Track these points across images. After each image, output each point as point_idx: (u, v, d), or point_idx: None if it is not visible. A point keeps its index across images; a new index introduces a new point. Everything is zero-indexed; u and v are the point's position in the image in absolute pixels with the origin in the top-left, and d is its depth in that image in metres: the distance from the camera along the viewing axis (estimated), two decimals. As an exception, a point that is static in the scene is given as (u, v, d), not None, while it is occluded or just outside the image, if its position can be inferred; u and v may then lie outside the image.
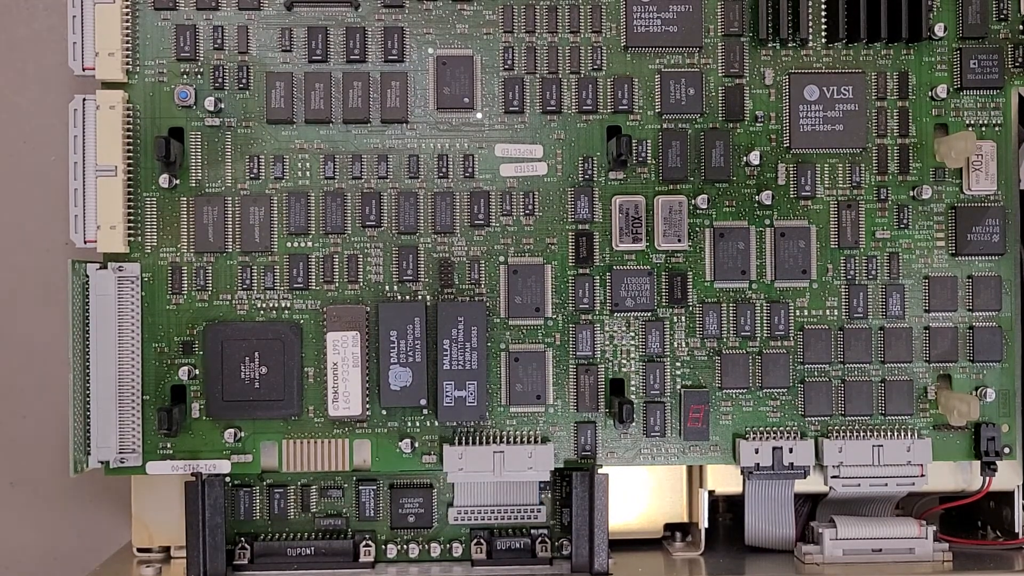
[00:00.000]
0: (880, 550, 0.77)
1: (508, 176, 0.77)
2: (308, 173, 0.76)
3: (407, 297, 0.76)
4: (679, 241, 0.77)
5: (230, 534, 0.77)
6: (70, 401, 0.72)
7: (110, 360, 0.74)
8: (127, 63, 0.76)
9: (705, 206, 0.77)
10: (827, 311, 0.78)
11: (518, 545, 0.78)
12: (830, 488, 0.77)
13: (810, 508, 0.81)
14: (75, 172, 0.75)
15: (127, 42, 0.75)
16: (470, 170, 0.77)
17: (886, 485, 0.77)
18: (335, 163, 0.76)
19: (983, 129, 0.78)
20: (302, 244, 0.76)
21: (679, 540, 0.81)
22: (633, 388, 0.77)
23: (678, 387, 0.77)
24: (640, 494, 0.81)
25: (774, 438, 0.77)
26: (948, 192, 0.78)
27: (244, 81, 0.76)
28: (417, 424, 0.76)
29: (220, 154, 0.76)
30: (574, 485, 0.76)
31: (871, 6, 0.77)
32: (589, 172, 0.77)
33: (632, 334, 0.77)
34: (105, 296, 0.74)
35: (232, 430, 0.76)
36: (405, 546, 0.78)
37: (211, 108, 0.75)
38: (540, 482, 0.78)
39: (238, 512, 0.78)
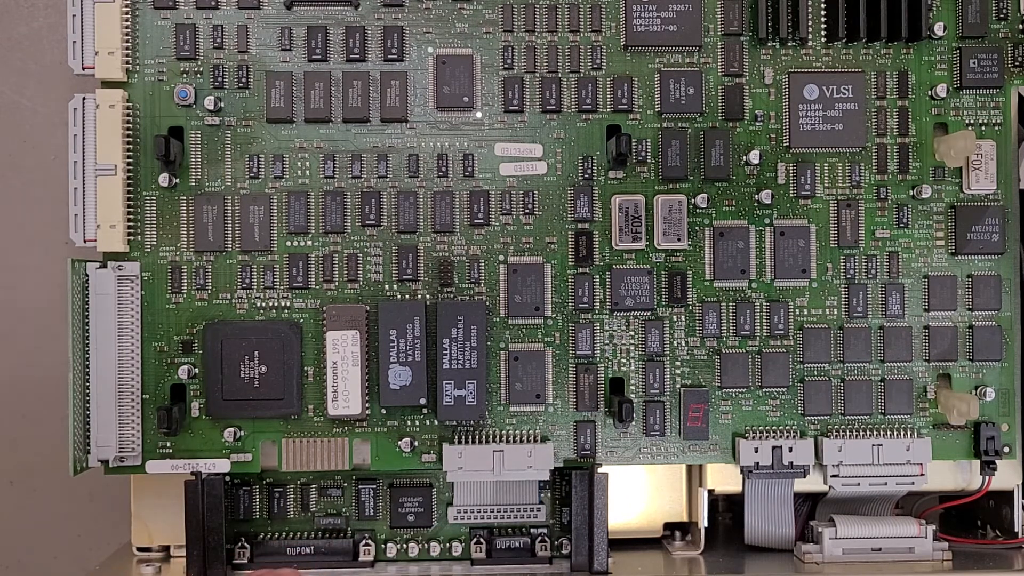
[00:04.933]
0: (880, 549, 0.77)
1: (508, 175, 0.77)
2: (308, 172, 0.76)
3: (407, 296, 0.76)
4: (679, 240, 0.77)
5: (230, 533, 0.77)
6: (70, 400, 0.72)
7: (110, 359, 0.74)
8: (127, 62, 0.76)
9: (705, 205, 0.77)
10: (827, 310, 0.78)
11: (518, 544, 0.78)
12: (830, 487, 0.77)
13: (810, 507, 0.81)
14: (75, 171, 0.75)
15: (127, 41, 0.76)
16: (470, 169, 0.77)
17: (886, 484, 0.77)
18: (335, 162, 0.76)
19: (983, 128, 0.78)
20: (302, 243, 0.76)
21: (679, 539, 0.81)
22: (633, 387, 0.77)
23: (678, 386, 0.77)
24: (640, 493, 0.81)
25: (774, 437, 0.77)
26: (948, 191, 0.78)
27: (244, 80, 0.76)
28: (416, 423, 0.76)
29: (220, 153, 0.76)
30: (574, 484, 0.76)
31: (871, 5, 0.77)
32: (589, 171, 0.77)
33: (632, 333, 0.77)
34: (105, 295, 0.74)
35: (232, 429, 0.76)
36: (405, 545, 0.78)
37: (211, 107, 0.75)
38: (540, 481, 0.78)
39: (238, 511, 0.78)
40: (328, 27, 0.76)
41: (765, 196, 0.77)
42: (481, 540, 0.78)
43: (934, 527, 0.77)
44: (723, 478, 0.79)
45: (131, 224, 0.76)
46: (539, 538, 0.78)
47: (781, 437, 0.77)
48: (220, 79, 0.76)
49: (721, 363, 0.77)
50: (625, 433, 0.77)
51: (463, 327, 0.75)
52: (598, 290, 0.77)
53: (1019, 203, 0.79)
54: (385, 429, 0.76)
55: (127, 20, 0.76)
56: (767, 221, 0.77)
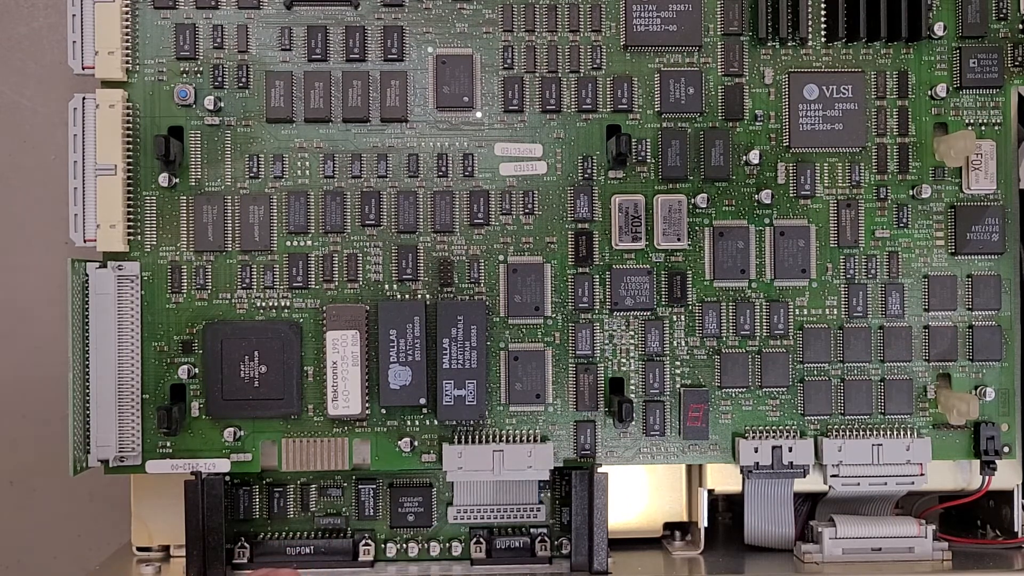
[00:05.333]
0: (879, 549, 0.77)
1: (508, 175, 0.77)
2: (308, 172, 0.76)
3: (407, 296, 0.76)
4: (679, 240, 0.77)
5: (230, 533, 0.77)
6: (70, 400, 0.72)
7: (110, 359, 0.74)
8: (127, 62, 0.76)
9: (705, 205, 0.77)
10: (827, 310, 0.78)
11: (517, 544, 0.78)
12: (829, 487, 0.77)
13: (809, 507, 0.81)
14: (75, 171, 0.75)
15: (127, 41, 0.76)
16: (469, 169, 0.77)
17: (885, 484, 0.77)
18: (335, 162, 0.76)
19: (983, 128, 0.78)
20: (302, 243, 0.76)
21: (678, 539, 0.81)
22: (632, 387, 0.77)
23: (678, 386, 0.77)
24: (639, 493, 0.81)
25: (774, 437, 0.77)
26: (948, 191, 0.78)
27: (244, 80, 0.76)
28: (416, 423, 0.76)
29: (220, 153, 0.76)
30: (573, 484, 0.76)
31: (871, 5, 0.77)
32: (589, 171, 0.77)
33: (632, 333, 0.77)
34: (105, 295, 0.74)
35: (232, 429, 0.76)
36: (404, 545, 0.78)
37: (211, 107, 0.76)
38: (539, 481, 0.78)
39: (238, 511, 0.78)
40: (328, 27, 0.76)
41: (765, 196, 0.77)
42: (481, 540, 0.78)
43: (934, 527, 0.77)
44: (723, 478, 0.79)
45: (131, 224, 0.76)
46: (539, 538, 0.78)
47: (781, 437, 0.77)
48: (220, 79, 0.76)
49: (721, 363, 0.77)
50: (625, 433, 0.77)
51: (463, 327, 0.75)
52: (598, 290, 0.77)
53: (1019, 203, 0.79)
54: (385, 429, 0.76)
55: (127, 20, 0.76)
56: (767, 221, 0.77)
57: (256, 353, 0.75)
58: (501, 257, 0.77)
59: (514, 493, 0.78)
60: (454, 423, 0.76)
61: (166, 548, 0.80)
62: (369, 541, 0.78)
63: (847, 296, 0.78)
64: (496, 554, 0.78)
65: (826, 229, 0.78)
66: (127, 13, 0.76)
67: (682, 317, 0.77)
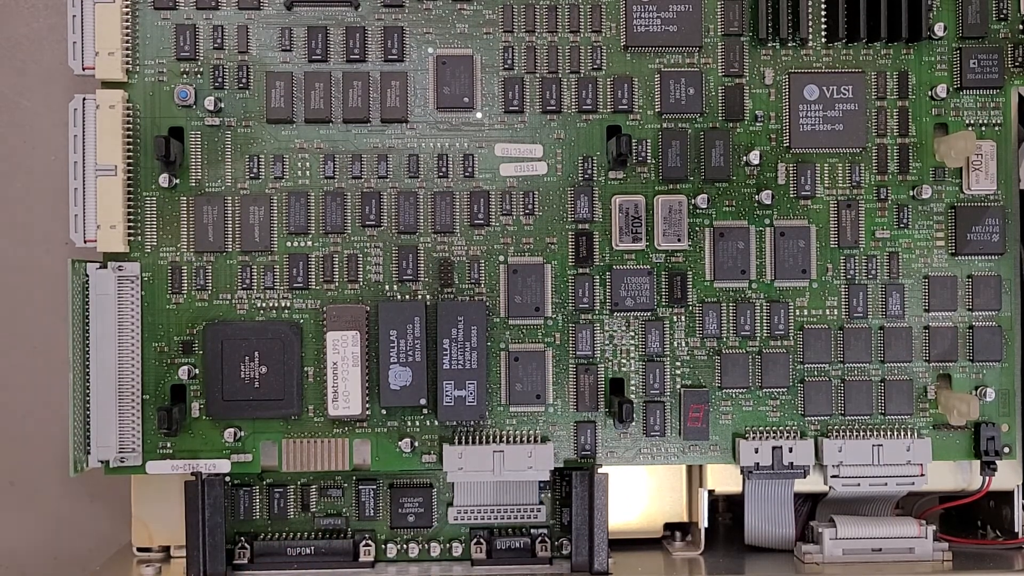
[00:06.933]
0: (880, 550, 0.77)
1: (508, 176, 0.77)
2: (308, 173, 0.76)
3: (407, 297, 0.76)
4: (679, 241, 0.77)
5: (230, 534, 0.77)
6: (70, 401, 0.72)
7: (110, 360, 0.74)
8: (127, 63, 0.76)
9: (705, 206, 0.77)
10: (827, 311, 0.78)
11: (518, 545, 0.78)
12: (830, 488, 0.77)
13: (810, 508, 0.81)
14: (75, 172, 0.75)
15: (127, 42, 0.76)
16: (470, 170, 0.77)
17: (886, 485, 0.77)
18: (335, 163, 0.76)
19: (983, 129, 0.78)
20: (302, 244, 0.76)
21: (679, 540, 0.81)
22: (633, 388, 0.77)
23: (678, 387, 0.77)
24: (640, 494, 0.81)
25: (774, 438, 0.77)
26: (948, 192, 0.78)
27: (244, 81, 0.76)
28: (417, 424, 0.76)
29: (220, 154, 0.76)
30: (574, 485, 0.76)
31: (871, 6, 0.77)
32: (589, 172, 0.77)
33: (632, 334, 0.77)
34: (105, 296, 0.74)
35: (232, 430, 0.76)
36: (405, 546, 0.78)
37: (211, 108, 0.75)
38: (540, 482, 0.78)
39: (238, 512, 0.78)
40: (328, 27, 0.76)
41: (765, 196, 0.77)
42: (481, 540, 0.78)
43: (934, 527, 0.77)
44: (723, 478, 0.79)
45: (131, 224, 0.76)
46: (539, 538, 0.78)
47: (781, 437, 0.77)
48: (220, 80, 0.76)
49: (721, 363, 0.77)
50: (625, 433, 0.77)
51: (463, 327, 0.75)
52: (598, 290, 0.77)
53: (1019, 203, 0.79)
54: (385, 429, 0.76)
55: (127, 21, 0.76)
56: (767, 221, 0.77)
57: (256, 354, 0.75)
58: (501, 258, 0.77)
59: (514, 494, 0.78)
60: (454, 424, 0.76)
61: (166, 549, 0.80)
62: (369, 542, 0.78)
63: (847, 297, 0.78)
64: (496, 555, 0.78)
65: (826, 230, 0.78)
66: (127, 14, 0.76)
67: (682, 318, 0.77)
